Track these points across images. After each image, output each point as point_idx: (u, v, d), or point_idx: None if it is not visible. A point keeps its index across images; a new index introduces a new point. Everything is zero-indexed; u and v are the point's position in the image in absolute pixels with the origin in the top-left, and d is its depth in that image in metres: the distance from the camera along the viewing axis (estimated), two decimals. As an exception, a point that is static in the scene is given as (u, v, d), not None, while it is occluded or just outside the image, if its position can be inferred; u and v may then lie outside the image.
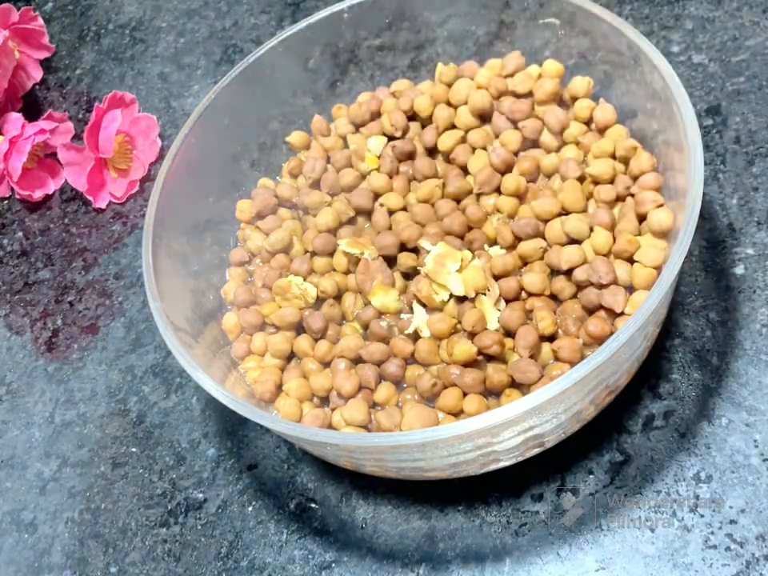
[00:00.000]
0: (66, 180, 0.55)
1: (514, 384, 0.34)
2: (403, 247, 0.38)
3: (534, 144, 0.41)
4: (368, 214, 0.41)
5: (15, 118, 0.54)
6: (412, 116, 0.43)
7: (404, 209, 0.40)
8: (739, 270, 0.39)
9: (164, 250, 0.38)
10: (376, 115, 0.44)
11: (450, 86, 0.43)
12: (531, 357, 0.33)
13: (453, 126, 0.42)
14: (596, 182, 0.38)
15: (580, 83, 0.40)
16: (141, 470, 0.41)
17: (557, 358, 0.34)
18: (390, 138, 0.43)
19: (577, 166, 0.38)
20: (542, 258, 0.37)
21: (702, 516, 0.33)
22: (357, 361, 0.36)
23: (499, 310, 0.35)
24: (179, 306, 0.37)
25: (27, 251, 0.54)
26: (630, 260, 0.35)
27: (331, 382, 0.36)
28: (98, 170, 0.53)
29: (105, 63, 0.62)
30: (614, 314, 0.34)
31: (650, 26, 0.48)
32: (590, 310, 0.35)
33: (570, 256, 0.35)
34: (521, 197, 0.39)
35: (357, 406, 0.35)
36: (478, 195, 0.39)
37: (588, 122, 0.40)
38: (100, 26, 0.65)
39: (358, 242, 0.39)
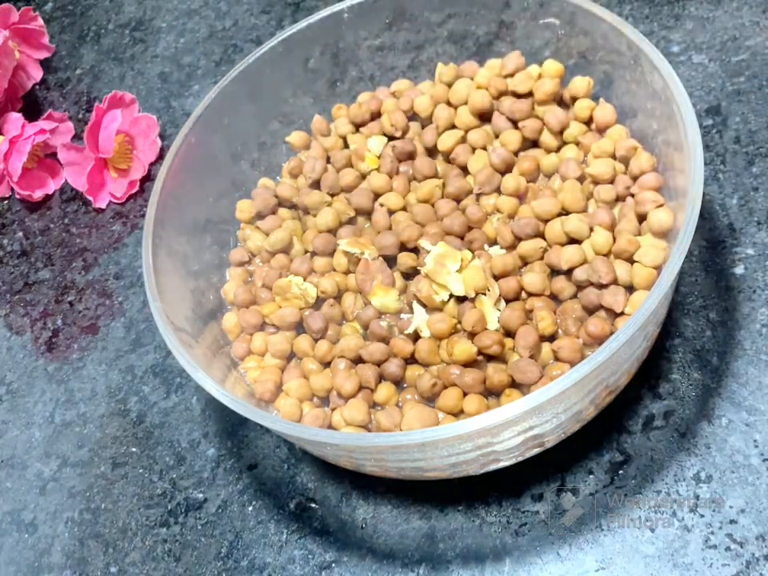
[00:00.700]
0: (66, 180, 0.55)
1: (514, 384, 0.34)
2: (403, 247, 0.38)
3: (534, 144, 0.41)
4: (368, 214, 0.41)
5: (15, 118, 0.54)
6: (412, 116, 0.43)
7: (404, 209, 0.40)
8: (739, 270, 0.39)
9: (164, 249, 0.38)
10: (376, 115, 0.44)
11: (450, 85, 0.43)
12: (531, 357, 0.33)
13: (453, 126, 0.42)
14: (596, 182, 0.38)
15: (580, 83, 0.40)
16: (141, 470, 0.41)
17: (557, 358, 0.34)
18: (390, 138, 0.43)
19: (577, 166, 0.38)
20: (542, 258, 0.37)
21: (702, 516, 0.33)
22: (357, 361, 0.36)
23: (499, 310, 0.35)
24: (179, 306, 0.37)
25: (27, 251, 0.54)
26: (630, 260, 0.35)
27: (331, 382, 0.36)
28: (97, 169, 0.53)
29: (105, 63, 0.62)
30: (614, 314, 0.34)
31: (649, 26, 0.48)
32: (590, 310, 0.35)
33: (569, 256, 0.35)
34: (521, 197, 0.39)
35: (357, 406, 0.35)
36: (478, 195, 0.39)
37: (588, 122, 0.40)
38: (100, 26, 0.65)
39: (358, 241, 0.39)
